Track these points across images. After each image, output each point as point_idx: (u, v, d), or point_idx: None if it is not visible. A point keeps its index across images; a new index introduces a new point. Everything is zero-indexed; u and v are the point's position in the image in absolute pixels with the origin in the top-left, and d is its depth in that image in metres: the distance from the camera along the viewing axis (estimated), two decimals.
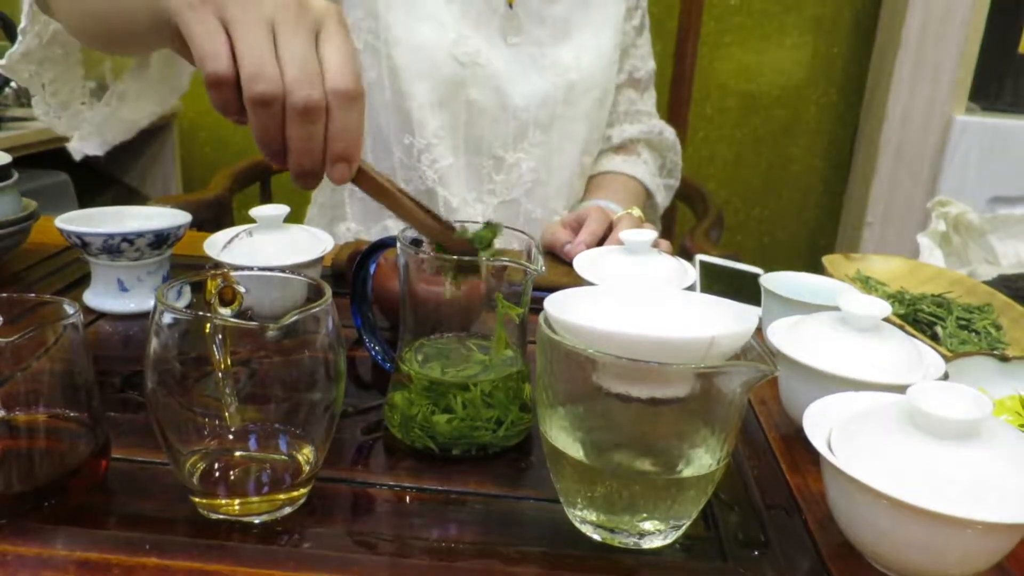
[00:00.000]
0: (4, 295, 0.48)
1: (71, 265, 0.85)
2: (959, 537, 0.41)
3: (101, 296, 0.74)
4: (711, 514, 0.50)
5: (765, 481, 0.54)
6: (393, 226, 1.08)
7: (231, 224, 0.81)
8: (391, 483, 0.52)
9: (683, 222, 1.81)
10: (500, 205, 1.09)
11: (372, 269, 0.62)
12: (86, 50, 0.93)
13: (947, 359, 0.60)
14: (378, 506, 0.50)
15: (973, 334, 0.74)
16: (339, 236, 1.12)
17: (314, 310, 0.45)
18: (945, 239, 1.03)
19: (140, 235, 0.71)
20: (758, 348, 0.44)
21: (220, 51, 0.49)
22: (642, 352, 0.41)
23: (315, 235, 0.77)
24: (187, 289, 0.52)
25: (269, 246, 0.72)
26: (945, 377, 0.55)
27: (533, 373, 0.50)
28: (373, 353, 0.63)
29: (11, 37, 1.57)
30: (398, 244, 0.55)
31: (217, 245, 0.72)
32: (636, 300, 0.51)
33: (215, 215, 1.22)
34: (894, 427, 0.44)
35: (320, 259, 0.74)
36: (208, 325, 0.45)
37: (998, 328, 0.75)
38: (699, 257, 0.88)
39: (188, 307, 0.49)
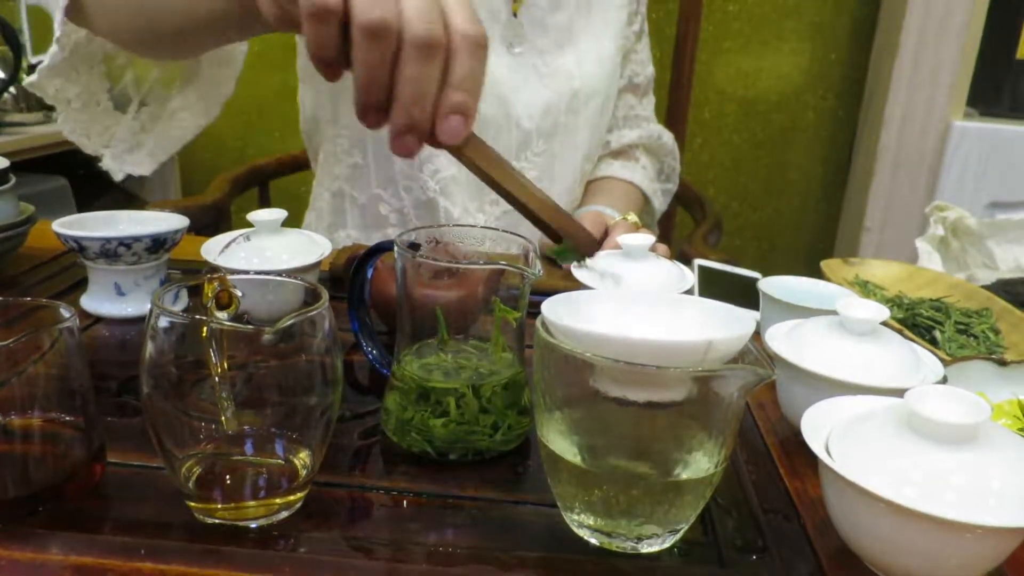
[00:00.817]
0: (1, 299, 0.48)
1: (68, 269, 0.84)
2: (958, 541, 0.40)
3: (98, 300, 0.74)
4: (709, 519, 0.50)
5: (763, 486, 0.54)
6: (394, 235, 1.08)
7: (229, 229, 0.81)
8: (388, 487, 0.52)
9: (682, 227, 1.81)
10: (503, 215, 1.09)
11: (370, 273, 0.62)
12: (108, 62, 0.92)
13: (946, 363, 0.60)
14: (375, 511, 0.49)
15: (972, 338, 0.74)
16: (338, 243, 1.11)
17: (311, 313, 0.45)
18: (943, 244, 1.03)
19: (137, 239, 0.71)
20: (755, 352, 0.44)
21: None
22: (639, 356, 0.41)
23: (313, 239, 0.77)
24: (184, 293, 0.52)
25: (266, 250, 0.72)
26: (943, 381, 0.55)
27: (531, 377, 0.50)
28: (370, 357, 0.63)
29: (10, 43, 1.57)
30: (395, 248, 0.55)
31: (214, 249, 0.72)
32: (634, 304, 0.50)
33: (213, 220, 1.22)
34: (892, 431, 0.44)
35: (318, 263, 0.73)
36: (204, 329, 0.45)
37: (997, 332, 0.75)
38: (697, 261, 0.88)
39: (185, 311, 0.49)
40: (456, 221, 1.06)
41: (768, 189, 2.25)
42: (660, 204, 1.26)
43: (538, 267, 0.53)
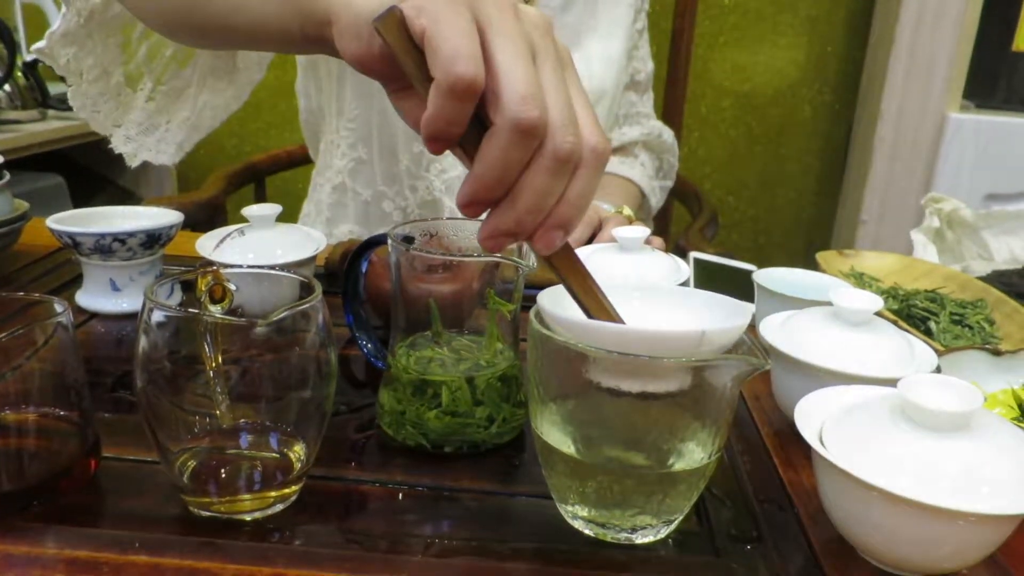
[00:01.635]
0: None
1: (63, 266, 0.84)
2: (951, 529, 0.41)
3: (93, 296, 0.74)
4: (704, 509, 0.50)
5: (758, 476, 0.54)
6: None
7: (225, 225, 0.81)
8: (383, 480, 0.52)
9: (678, 221, 1.81)
10: None
11: (364, 267, 0.62)
12: (125, 31, 0.88)
13: (940, 353, 0.60)
14: (370, 503, 0.49)
15: (966, 329, 0.74)
16: (340, 237, 1.11)
17: (304, 307, 0.45)
18: (939, 235, 1.03)
19: (132, 235, 0.71)
20: (749, 342, 0.44)
21: (477, 54, 0.39)
22: (633, 346, 0.41)
23: (308, 234, 0.76)
24: (177, 287, 0.52)
25: (261, 245, 0.72)
26: (937, 371, 0.55)
27: (525, 369, 0.50)
28: (365, 351, 0.63)
29: (4, 40, 1.57)
30: (390, 242, 0.55)
31: (209, 245, 0.72)
32: (629, 296, 0.50)
33: (209, 216, 1.22)
34: (886, 420, 0.44)
35: (313, 258, 0.73)
36: (198, 322, 0.45)
37: (991, 323, 0.75)
38: (693, 254, 0.88)
39: (179, 306, 0.49)
40: (462, 220, 1.05)
41: (764, 183, 2.25)
42: (657, 201, 1.26)
43: (532, 260, 0.53)
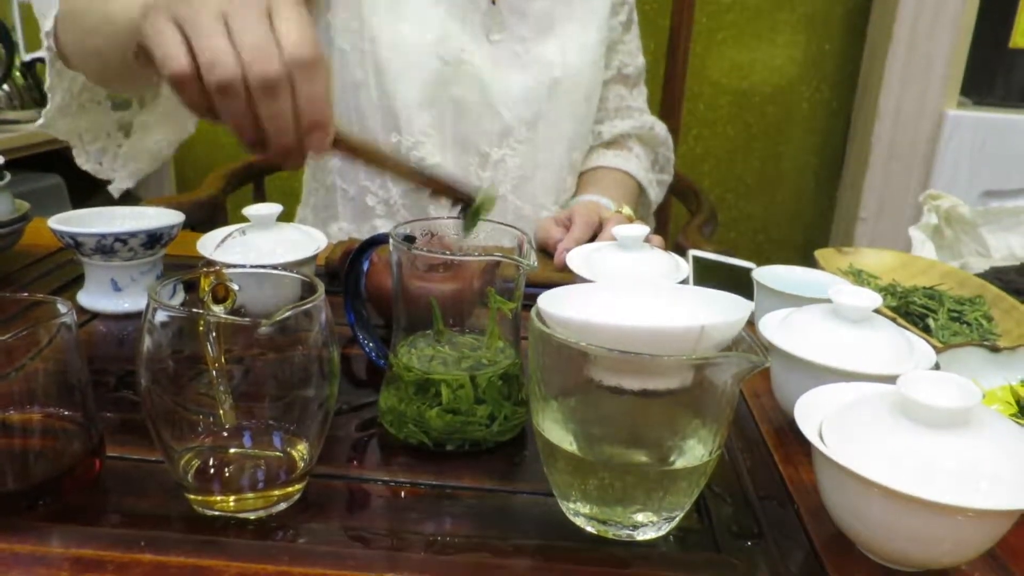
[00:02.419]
0: None
1: (64, 266, 0.85)
2: (950, 524, 0.41)
3: (95, 296, 0.74)
4: (704, 506, 0.50)
5: (758, 473, 0.54)
6: (382, 225, 1.09)
7: (225, 224, 0.81)
8: (386, 478, 0.52)
9: (677, 219, 1.81)
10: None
11: (365, 266, 0.62)
12: (112, 96, 0.96)
13: (938, 350, 0.61)
14: (373, 501, 0.50)
15: (965, 326, 0.74)
16: (331, 236, 1.12)
17: (307, 306, 0.45)
18: (937, 232, 1.03)
19: (133, 235, 0.71)
20: (749, 340, 0.44)
21: (176, 51, 0.51)
22: (633, 343, 0.41)
23: (308, 233, 0.77)
24: (180, 287, 0.52)
25: (262, 245, 0.72)
26: (936, 367, 0.55)
27: (526, 368, 0.50)
28: (367, 350, 0.63)
29: (3, 41, 1.57)
30: (391, 241, 0.55)
31: (210, 244, 0.72)
32: (629, 294, 0.51)
33: (209, 215, 1.22)
34: (885, 416, 0.44)
35: (313, 257, 0.74)
36: (201, 322, 0.46)
37: (989, 319, 0.76)
38: (692, 252, 0.88)
39: (181, 305, 0.49)
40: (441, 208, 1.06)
41: (763, 180, 2.25)
42: (656, 195, 1.26)
43: (533, 259, 0.53)
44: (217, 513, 0.47)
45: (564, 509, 0.48)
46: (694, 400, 0.44)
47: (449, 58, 1.01)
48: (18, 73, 1.66)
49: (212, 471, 0.48)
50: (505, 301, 0.55)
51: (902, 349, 0.56)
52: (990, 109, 1.87)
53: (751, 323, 0.57)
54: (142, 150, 1.00)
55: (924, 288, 0.81)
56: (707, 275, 0.85)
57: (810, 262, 0.86)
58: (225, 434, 0.48)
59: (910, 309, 0.77)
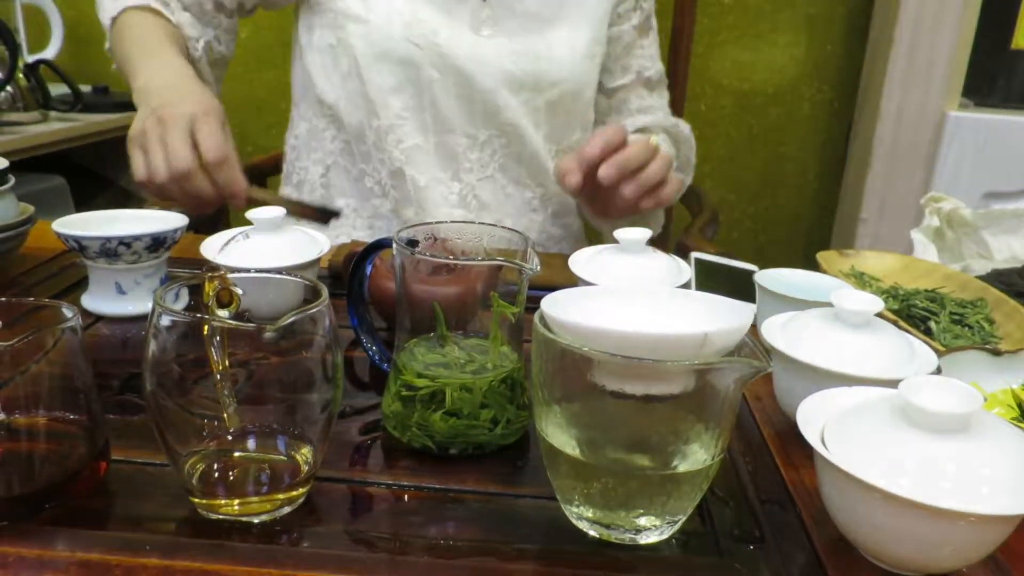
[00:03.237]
0: (3, 299, 0.49)
1: (68, 269, 0.85)
2: (952, 529, 0.41)
3: (99, 299, 0.74)
4: (707, 510, 0.50)
5: (760, 477, 0.54)
6: (379, 204, 1.12)
7: (228, 227, 0.81)
8: (389, 482, 0.52)
9: (678, 220, 1.81)
10: (478, 183, 1.11)
11: (368, 270, 0.63)
12: None
13: (940, 354, 0.61)
14: (376, 505, 0.50)
15: (966, 329, 0.75)
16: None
17: (311, 311, 0.45)
18: (938, 234, 1.03)
19: (137, 238, 0.71)
20: (751, 344, 0.45)
21: (138, 165, 0.87)
22: (636, 349, 0.41)
23: (312, 237, 0.77)
24: (184, 292, 0.52)
25: (266, 248, 0.72)
26: (938, 371, 0.55)
27: (529, 372, 0.50)
28: (370, 353, 0.63)
29: (6, 42, 1.57)
30: (394, 245, 0.55)
31: (214, 247, 0.72)
32: (631, 299, 0.51)
33: (211, 218, 1.22)
34: (887, 421, 0.45)
35: (317, 260, 0.74)
36: (206, 327, 0.46)
37: (991, 323, 0.76)
38: (694, 255, 0.88)
39: (186, 309, 0.49)
40: (422, 189, 1.09)
41: (764, 182, 2.25)
42: (678, 180, 1.18)
43: (536, 262, 0.53)
44: (222, 517, 0.47)
45: (567, 513, 0.48)
46: (697, 405, 0.44)
47: (420, 42, 1.03)
48: (21, 75, 1.66)
49: (217, 475, 0.48)
50: (508, 305, 0.55)
51: (904, 353, 0.57)
52: (992, 110, 1.87)
53: (753, 326, 0.57)
54: None
55: (926, 291, 0.82)
56: (709, 277, 0.85)
57: (811, 263, 0.86)
58: (229, 438, 0.48)
59: (912, 312, 0.77)
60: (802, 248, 2.29)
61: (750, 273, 0.82)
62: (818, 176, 2.24)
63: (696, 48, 2.03)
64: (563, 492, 0.48)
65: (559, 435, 0.46)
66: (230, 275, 0.49)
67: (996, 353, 0.63)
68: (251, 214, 0.73)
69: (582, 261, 0.77)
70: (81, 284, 0.79)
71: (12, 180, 0.80)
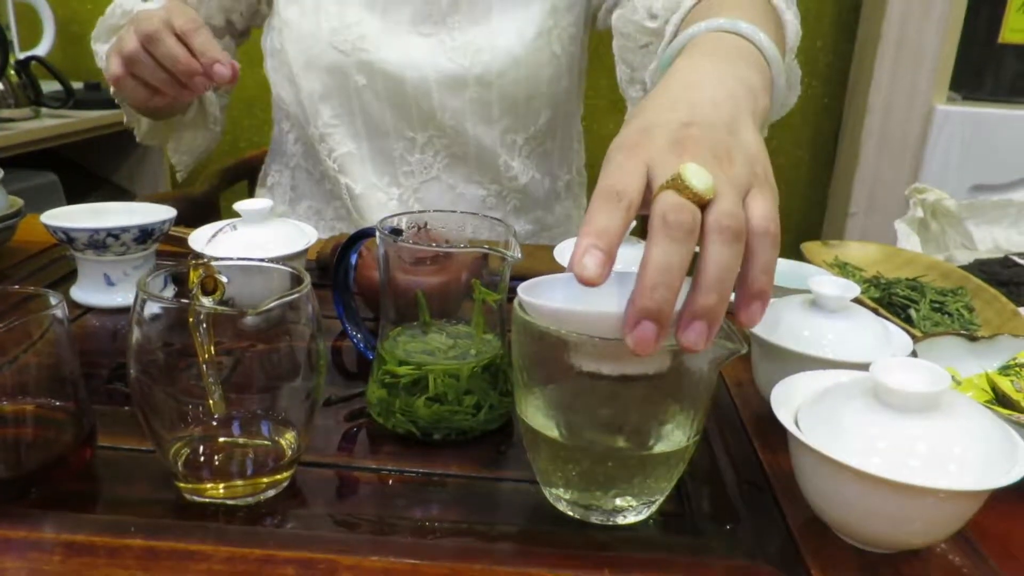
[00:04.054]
0: None
1: (57, 262, 0.85)
2: (921, 505, 0.42)
3: (88, 291, 0.75)
4: (685, 491, 0.51)
5: (738, 460, 0.55)
6: (341, 204, 1.12)
7: (218, 220, 0.82)
8: (374, 467, 0.53)
9: None
10: (422, 185, 1.08)
11: (354, 260, 0.63)
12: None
13: (917, 339, 0.62)
14: (361, 488, 0.51)
15: (946, 316, 0.75)
16: (302, 215, 1.15)
17: (292, 297, 0.46)
18: (923, 225, 1.04)
19: (125, 230, 0.72)
20: (727, 327, 0.45)
21: (110, 52, 0.88)
22: (609, 330, 0.42)
23: (299, 228, 0.78)
24: (169, 281, 0.53)
25: (253, 239, 0.73)
26: (913, 356, 0.56)
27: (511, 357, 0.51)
28: (355, 341, 0.64)
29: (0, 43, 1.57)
30: (377, 234, 0.56)
31: (202, 239, 0.73)
32: (609, 282, 0.52)
33: (202, 212, 1.23)
34: (859, 402, 0.45)
35: (304, 252, 0.75)
36: (191, 313, 0.46)
37: (970, 310, 0.77)
38: None
39: (171, 298, 0.50)
40: (358, 197, 1.07)
41: None
42: (794, 22, 0.80)
43: (517, 250, 0.54)
44: (207, 500, 0.48)
45: (548, 495, 0.49)
46: (673, 386, 0.45)
47: (345, 48, 1.01)
48: (13, 72, 1.66)
49: (202, 460, 0.49)
50: (490, 292, 0.56)
51: (879, 338, 0.57)
52: (979, 104, 1.88)
53: (732, 313, 0.58)
54: (192, 143, 1.15)
55: (907, 280, 0.83)
56: (694, 267, 0.85)
57: (801, 256, 0.87)
58: (214, 423, 0.49)
59: (893, 300, 0.78)
60: (793, 241, 2.29)
61: None
62: (809, 170, 2.25)
63: None
64: (544, 475, 0.49)
65: (539, 418, 0.47)
66: (214, 263, 0.50)
67: (972, 339, 0.64)
68: (239, 206, 0.74)
69: (567, 251, 0.77)
70: (70, 277, 0.79)
71: (1, 173, 0.81)
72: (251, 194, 1.49)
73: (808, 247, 0.90)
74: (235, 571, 0.42)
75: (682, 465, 0.47)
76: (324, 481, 0.51)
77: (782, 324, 0.58)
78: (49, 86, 1.81)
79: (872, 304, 0.74)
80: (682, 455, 0.46)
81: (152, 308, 0.45)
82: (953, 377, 0.60)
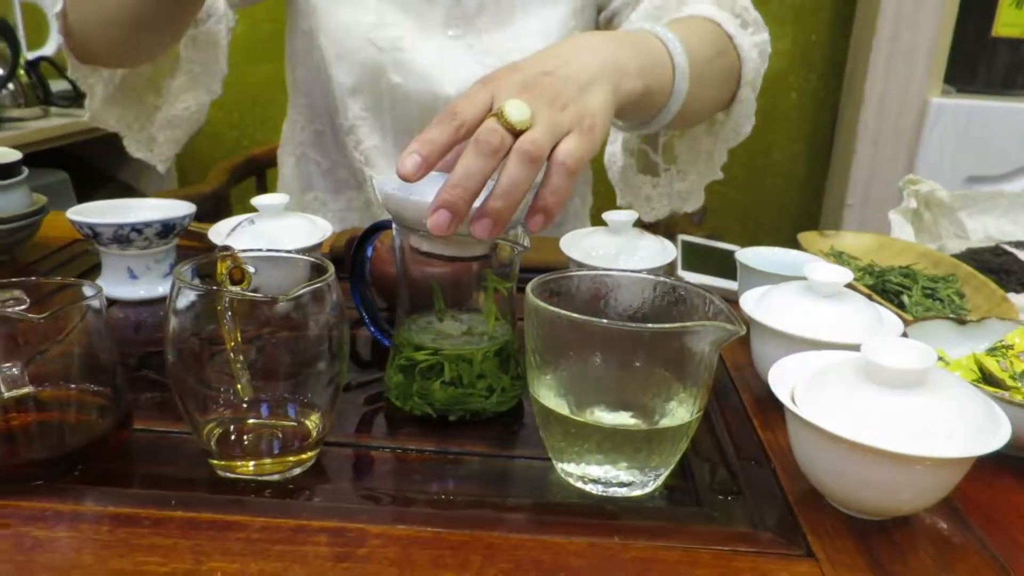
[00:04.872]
0: (32, 279, 0.52)
1: (80, 256, 0.88)
2: (910, 473, 0.45)
3: (112, 284, 0.78)
4: (688, 467, 0.54)
5: (738, 437, 0.58)
6: (354, 196, 1.14)
7: (230, 216, 0.85)
8: (393, 446, 0.56)
9: None
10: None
11: (369, 252, 0.66)
12: (151, 80, 0.99)
13: (908, 323, 0.65)
14: (381, 466, 0.54)
15: (937, 302, 0.78)
16: (306, 205, 1.17)
17: (320, 283, 0.49)
18: (917, 216, 1.07)
19: (148, 225, 0.75)
20: (726, 311, 0.48)
21: None
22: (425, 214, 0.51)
23: (314, 222, 0.80)
24: (195, 274, 0.56)
25: (270, 233, 0.76)
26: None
27: (523, 342, 0.54)
28: (372, 330, 0.67)
29: (7, 39, 1.60)
30: (393, 227, 0.59)
31: (222, 232, 0.76)
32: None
33: (214, 208, 1.26)
34: (851, 380, 0.48)
35: (319, 245, 0.77)
36: (221, 301, 0.49)
37: (961, 296, 0.80)
38: (681, 236, 0.92)
39: None
40: None
41: (752, 169, 2.29)
42: (752, 53, 0.91)
43: (527, 240, 0.57)
44: (238, 476, 0.51)
45: (559, 470, 0.52)
46: (677, 367, 0.48)
47: (384, 45, 1.03)
48: (22, 71, 1.69)
49: (233, 439, 0.52)
50: (501, 280, 0.59)
51: (872, 321, 0.60)
52: (973, 96, 1.91)
53: (734, 301, 0.61)
54: (175, 117, 1.03)
55: (900, 267, 0.85)
56: (694, 257, 0.89)
57: (797, 246, 0.90)
58: (244, 406, 0.52)
59: (886, 287, 0.81)
60: (791, 234, 2.31)
61: (732, 253, 0.86)
62: (805, 163, 2.28)
63: None
64: (555, 451, 0.52)
65: (551, 397, 0.50)
66: (241, 254, 0.53)
67: (961, 322, 0.67)
68: (256, 200, 0.77)
69: (572, 242, 0.80)
70: (93, 271, 0.82)
71: (26, 172, 0.84)
72: (259, 190, 1.52)
73: (804, 237, 0.93)
74: (271, 539, 0.45)
75: (686, 440, 0.50)
76: (347, 459, 0.54)
77: (778, 309, 0.61)
78: (58, 85, 1.84)
79: (866, 291, 0.77)
80: (685, 430, 0.49)
81: (188, 297, 0.48)
82: (942, 358, 0.63)
